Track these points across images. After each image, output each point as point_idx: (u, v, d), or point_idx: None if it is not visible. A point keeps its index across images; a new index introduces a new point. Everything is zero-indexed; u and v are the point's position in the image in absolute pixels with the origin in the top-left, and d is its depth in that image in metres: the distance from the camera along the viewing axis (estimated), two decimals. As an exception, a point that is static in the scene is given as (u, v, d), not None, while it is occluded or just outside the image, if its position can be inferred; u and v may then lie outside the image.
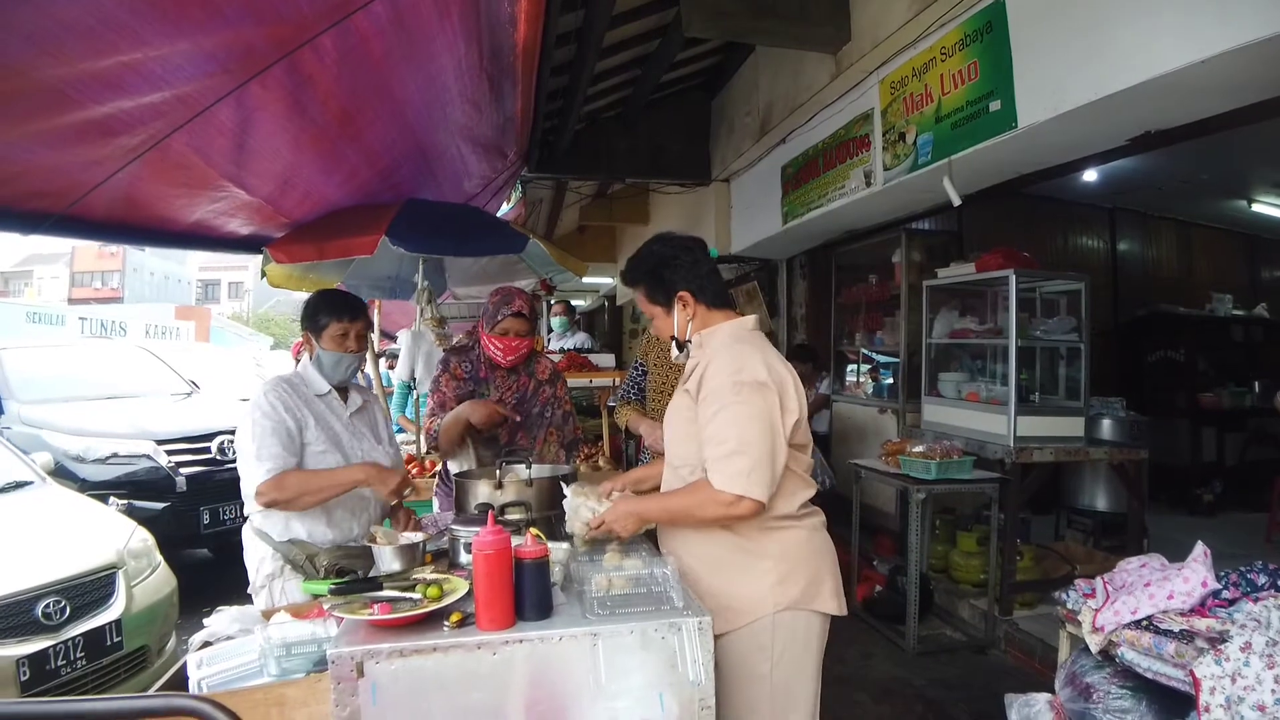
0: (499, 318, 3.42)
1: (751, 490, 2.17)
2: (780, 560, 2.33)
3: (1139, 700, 2.84)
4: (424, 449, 3.61)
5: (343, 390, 3.14)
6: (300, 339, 3.22)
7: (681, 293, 2.47)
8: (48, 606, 3.76)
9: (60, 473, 5.85)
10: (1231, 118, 3.82)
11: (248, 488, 2.81)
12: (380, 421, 3.30)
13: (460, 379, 3.58)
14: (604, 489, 2.65)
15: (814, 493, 2.46)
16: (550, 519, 2.65)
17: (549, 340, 8.22)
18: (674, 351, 2.54)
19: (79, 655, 3.79)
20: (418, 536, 2.48)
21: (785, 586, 2.32)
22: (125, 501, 6.06)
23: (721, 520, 2.28)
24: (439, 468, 3.87)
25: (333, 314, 3.01)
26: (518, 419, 3.54)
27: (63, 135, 2.75)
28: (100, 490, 6.00)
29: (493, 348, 3.48)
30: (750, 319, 2.54)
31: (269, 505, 2.82)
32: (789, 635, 2.33)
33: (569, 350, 6.96)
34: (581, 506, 2.48)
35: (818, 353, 8.10)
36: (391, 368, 7.83)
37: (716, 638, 2.14)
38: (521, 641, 1.89)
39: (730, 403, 2.23)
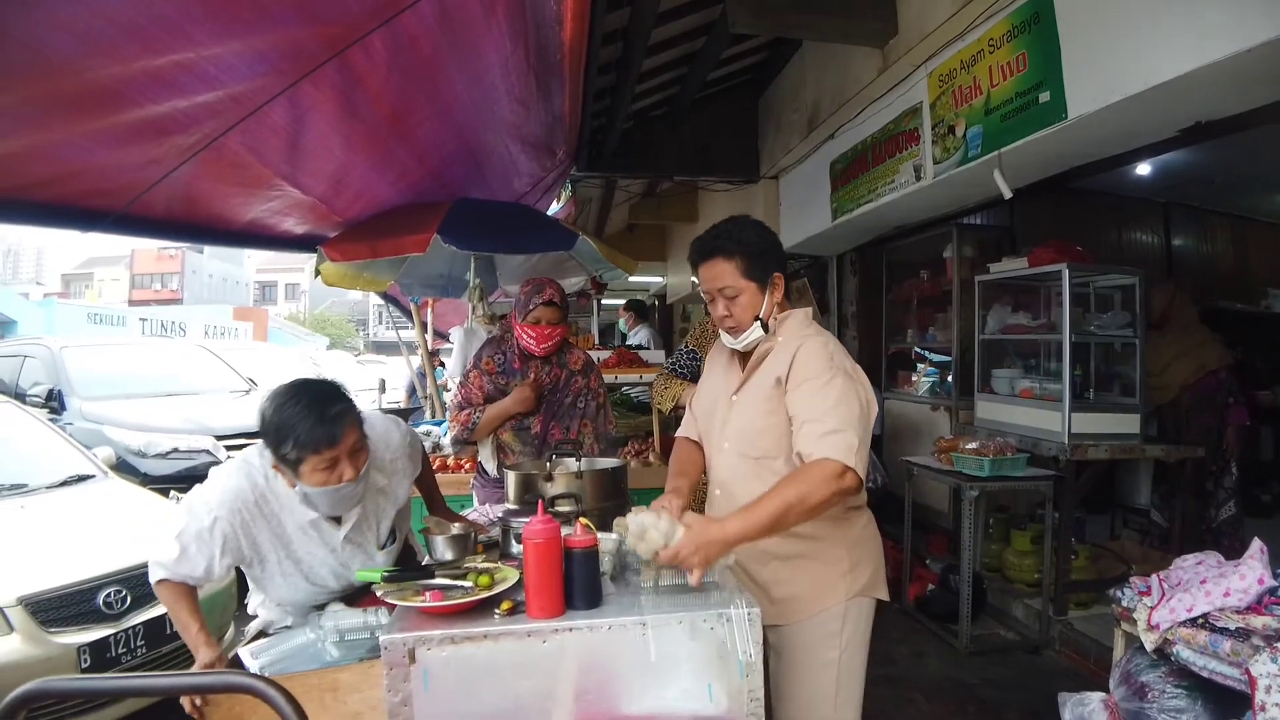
0: (530, 307, 3.50)
1: (859, 466, 2.10)
2: (853, 548, 2.37)
3: (1194, 699, 2.78)
4: (452, 448, 3.67)
5: None
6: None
7: (777, 274, 2.48)
8: (109, 596, 3.86)
9: (121, 467, 5.99)
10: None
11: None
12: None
13: (492, 373, 3.65)
14: (672, 509, 2.18)
15: None
16: (600, 511, 2.67)
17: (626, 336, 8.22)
18: (754, 332, 2.45)
19: (139, 643, 3.88)
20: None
21: (856, 574, 2.35)
22: (185, 495, 6.16)
23: (832, 499, 2.10)
24: (478, 461, 3.92)
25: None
26: (544, 390, 3.66)
27: (120, 134, 2.83)
28: (161, 484, 6.08)
29: (526, 337, 3.54)
30: (809, 310, 2.56)
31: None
32: (856, 622, 2.37)
33: (619, 347, 6.97)
34: (650, 529, 2.02)
35: None
36: (443, 365, 7.94)
37: (782, 627, 2.13)
38: (571, 630, 1.89)
39: (832, 382, 2.22)
